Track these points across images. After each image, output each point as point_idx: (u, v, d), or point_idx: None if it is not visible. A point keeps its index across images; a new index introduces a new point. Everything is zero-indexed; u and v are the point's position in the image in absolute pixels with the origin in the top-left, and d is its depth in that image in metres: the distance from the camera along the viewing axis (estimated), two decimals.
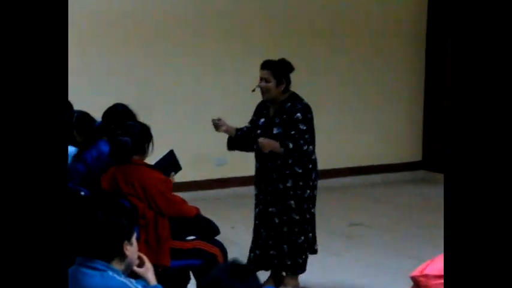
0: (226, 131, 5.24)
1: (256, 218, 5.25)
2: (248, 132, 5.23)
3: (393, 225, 7.45)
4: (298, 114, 4.96)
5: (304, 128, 4.96)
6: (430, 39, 9.45)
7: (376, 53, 9.29)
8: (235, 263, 2.50)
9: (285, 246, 5.14)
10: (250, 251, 5.35)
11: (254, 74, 8.41)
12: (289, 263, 5.17)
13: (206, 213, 5.12)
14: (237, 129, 5.27)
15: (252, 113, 5.39)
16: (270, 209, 5.11)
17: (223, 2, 8.41)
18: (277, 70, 4.99)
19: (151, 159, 4.91)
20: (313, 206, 5.19)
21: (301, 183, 5.06)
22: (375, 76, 9.31)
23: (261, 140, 4.88)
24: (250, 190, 8.39)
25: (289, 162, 5.01)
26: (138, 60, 8.04)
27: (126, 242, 2.92)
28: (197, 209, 4.91)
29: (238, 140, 5.24)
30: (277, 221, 5.09)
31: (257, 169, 5.19)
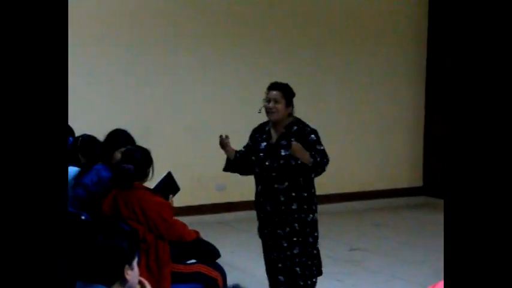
0: (228, 152, 5.28)
1: (267, 239, 5.22)
2: (243, 157, 5.26)
3: (394, 251, 7.44)
4: (313, 136, 5.02)
5: (322, 148, 5.02)
6: (430, 68, 9.49)
7: (376, 80, 9.33)
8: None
9: (297, 268, 5.16)
10: (267, 271, 5.33)
11: (257, 97, 8.48)
12: (301, 283, 5.19)
13: (206, 237, 5.13)
14: (236, 152, 5.35)
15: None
16: (278, 231, 5.12)
17: (226, 23, 8.45)
18: (287, 92, 5.09)
19: (151, 182, 4.92)
20: (316, 229, 5.23)
21: (305, 207, 5.10)
22: (375, 103, 9.34)
23: (294, 142, 4.86)
24: (250, 214, 8.47)
25: (297, 185, 5.06)
26: (137, 82, 8.07)
27: (127, 266, 2.91)
28: (197, 233, 4.91)
29: (235, 163, 5.27)
30: (285, 244, 5.12)
31: (258, 192, 5.18)
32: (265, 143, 5.13)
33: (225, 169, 5.40)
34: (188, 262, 4.80)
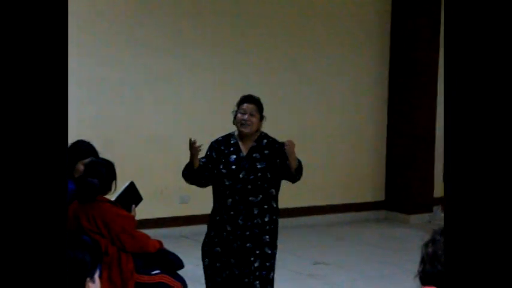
0: (193, 157, 5.12)
1: (230, 255, 5.06)
2: (203, 168, 5.15)
3: (357, 265, 7.46)
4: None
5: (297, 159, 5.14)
6: (392, 80, 9.58)
7: (340, 94, 9.39)
8: None
9: (257, 282, 5.08)
10: None
11: (222, 110, 8.50)
12: None
13: (170, 249, 5.09)
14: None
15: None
16: (248, 245, 5.04)
17: (196, 34, 8.45)
18: (261, 106, 5.14)
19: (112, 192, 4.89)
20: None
21: (274, 217, 5.13)
22: (339, 117, 9.40)
23: (290, 140, 4.97)
24: None
25: (270, 197, 5.08)
26: (98, 93, 8.02)
27: (88, 279, 2.88)
28: (160, 243, 4.90)
29: (197, 172, 5.14)
30: (252, 258, 5.04)
31: (228, 205, 5.06)
32: (235, 156, 5.09)
33: (186, 177, 5.21)
34: (152, 273, 4.78)
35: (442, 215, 9.02)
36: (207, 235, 5.16)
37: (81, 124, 7.59)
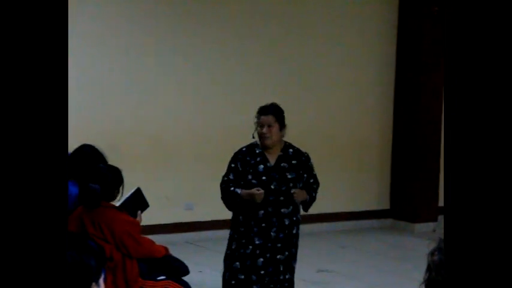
0: (248, 198, 4.94)
1: (260, 268, 4.95)
2: (236, 184, 5.02)
3: (360, 273, 7.45)
4: (311, 161, 5.13)
5: (315, 173, 5.17)
6: (398, 90, 9.58)
7: (345, 102, 9.38)
8: None
9: None
10: None
11: (228, 116, 8.50)
12: None
13: (174, 256, 5.10)
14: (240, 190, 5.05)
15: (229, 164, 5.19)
16: (278, 257, 4.97)
17: (202, 37, 8.46)
18: (279, 115, 5.02)
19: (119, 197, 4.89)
20: None
21: (298, 231, 5.11)
22: (343, 124, 9.40)
23: (297, 190, 4.94)
24: (217, 234, 8.46)
25: (297, 209, 5.08)
26: (104, 99, 8.03)
27: (93, 283, 2.89)
28: (166, 249, 4.91)
29: (239, 197, 5.00)
30: (282, 268, 4.98)
31: (260, 217, 4.94)
32: (262, 166, 4.99)
33: (231, 208, 5.10)
34: (157, 278, 4.78)
35: None
36: (228, 248, 5.07)
37: (86, 129, 7.61)
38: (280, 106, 5.13)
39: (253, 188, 4.90)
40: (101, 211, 4.62)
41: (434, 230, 9.29)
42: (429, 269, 2.76)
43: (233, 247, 5.01)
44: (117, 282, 4.60)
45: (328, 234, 9.13)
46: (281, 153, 5.01)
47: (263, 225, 4.92)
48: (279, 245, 4.95)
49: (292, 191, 4.92)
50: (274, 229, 4.93)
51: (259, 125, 4.97)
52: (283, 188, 4.92)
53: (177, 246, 7.60)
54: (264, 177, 4.93)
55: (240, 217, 5.00)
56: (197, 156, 8.49)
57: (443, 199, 9.58)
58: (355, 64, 9.41)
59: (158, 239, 6.54)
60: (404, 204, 9.55)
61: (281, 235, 4.95)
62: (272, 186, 4.92)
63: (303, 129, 9.18)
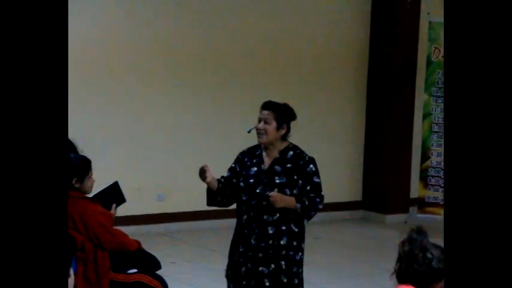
0: (209, 182, 4.57)
1: (243, 277, 4.55)
2: (228, 183, 4.64)
3: (333, 263, 7.50)
4: (311, 166, 4.57)
5: (319, 181, 4.59)
6: (371, 80, 9.63)
7: (317, 95, 9.41)
8: None
9: None
10: None
11: (203, 110, 8.49)
12: None
13: (147, 247, 5.10)
14: (218, 181, 4.64)
15: (226, 161, 4.90)
16: (260, 269, 4.50)
17: (179, 31, 8.44)
18: (280, 113, 4.60)
19: (94, 190, 4.87)
20: (302, 270, 4.72)
21: (294, 243, 4.57)
22: (316, 117, 9.42)
23: (274, 194, 4.42)
24: (190, 225, 8.46)
25: (288, 217, 4.53)
26: (77, 90, 7.99)
27: None
28: (138, 243, 4.89)
29: (219, 193, 4.61)
30: (267, 283, 4.50)
31: (243, 223, 4.57)
32: (255, 168, 4.59)
33: (209, 203, 4.70)
34: (129, 272, 4.77)
35: (418, 215, 9.08)
36: (228, 256, 4.70)
37: None
38: (292, 109, 4.73)
39: (241, 192, 4.56)
40: (74, 201, 4.60)
41: (405, 221, 9.36)
42: (399, 259, 2.79)
43: (228, 253, 4.68)
44: (88, 273, 4.58)
45: None
46: (278, 155, 4.56)
47: (245, 231, 4.54)
48: (260, 254, 4.50)
49: (267, 193, 4.44)
50: (254, 236, 4.51)
51: (258, 119, 4.59)
52: (267, 193, 4.45)
53: (149, 237, 7.59)
54: (251, 180, 4.54)
55: (243, 218, 4.62)
56: (169, 147, 8.48)
57: (414, 191, 9.58)
58: (329, 57, 9.44)
59: (130, 230, 6.53)
60: (376, 195, 9.61)
61: (262, 244, 4.49)
62: (258, 190, 4.51)
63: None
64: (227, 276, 4.67)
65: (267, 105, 4.63)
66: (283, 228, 4.51)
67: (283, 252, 4.51)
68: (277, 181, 4.50)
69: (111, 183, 5.06)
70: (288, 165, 4.54)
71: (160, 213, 8.49)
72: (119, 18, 8.21)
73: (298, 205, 4.49)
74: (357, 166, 9.78)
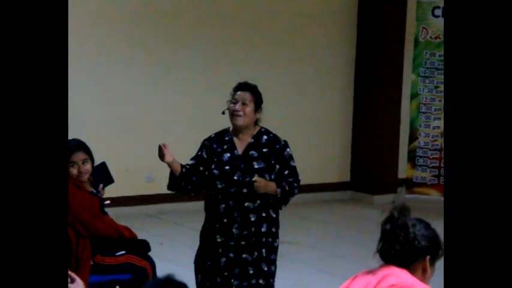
0: (170, 163, 4.42)
1: (223, 268, 4.42)
2: (193, 171, 4.46)
3: (321, 243, 7.53)
4: (288, 150, 4.51)
5: (295, 165, 4.56)
6: (359, 61, 9.62)
7: (307, 76, 9.40)
8: (171, 278, 2.36)
9: None
10: None
11: (192, 90, 8.47)
12: None
13: (135, 229, 5.09)
14: (182, 166, 4.48)
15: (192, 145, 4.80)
16: (244, 256, 4.41)
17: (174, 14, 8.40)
18: (257, 95, 4.48)
19: None
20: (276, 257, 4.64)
21: (273, 230, 4.51)
22: (304, 97, 9.42)
23: (258, 179, 4.31)
24: (178, 206, 8.45)
25: (267, 203, 4.44)
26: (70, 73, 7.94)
27: None
28: (130, 231, 4.85)
29: (182, 179, 4.44)
30: (251, 271, 4.41)
31: (221, 212, 4.42)
32: (228, 154, 4.44)
33: (170, 187, 4.55)
34: (117, 254, 4.76)
35: (406, 196, 9.12)
36: (199, 247, 4.56)
37: None
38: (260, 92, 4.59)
39: (216, 180, 4.41)
40: None
41: (393, 202, 9.39)
42: (382, 238, 2.79)
43: (198, 245, 4.54)
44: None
45: (290, 206, 9.09)
46: (252, 140, 4.45)
47: (225, 221, 4.40)
48: (243, 242, 4.39)
49: (253, 179, 4.32)
50: (236, 225, 4.38)
51: (233, 101, 4.43)
52: (247, 180, 4.35)
53: (138, 218, 7.59)
54: (227, 167, 4.39)
55: (206, 212, 4.53)
56: (159, 127, 8.46)
57: (402, 172, 9.60)
58: (317, 41, 9.42)
59: (119, 211, 6.53)
60: (364, 176, 9.64)
61: (245, 232, 4.39)
62: (235, 177, 4.38)
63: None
64: (195, 268, 4.52)
65: (244, 86, 4.49)
66: (263, 215, 4.44)
67: (263, 240, 4.45)
68: (256, 166, 4.40)
69: (97, 164, 5.03)
70: (264, 150, 4.43)
71: (149, 195, 8.48)
72: None
73: (279, 190, 4.42)
74: (345, 147, 9.79)
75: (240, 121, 4.41)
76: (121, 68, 8.28)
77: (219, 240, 4.42)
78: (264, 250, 4.46)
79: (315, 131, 9.55)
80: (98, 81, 8.17)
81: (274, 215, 4.52)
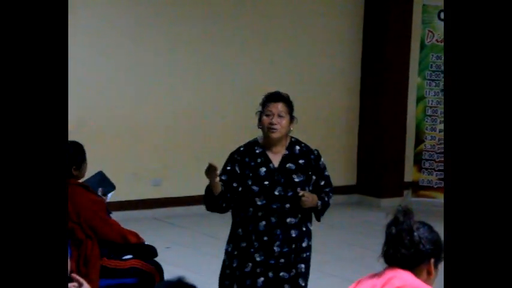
0: (214, 184, 4.12)
1: None
2: (226, 187, 4.19)
3: (328, 246, 7.52)
4: (322, 160, 4.38)
5: (328, 174, 4.42)
6: (365, 63, 9.62)
7: (312, 77, 9.41)
8: (182, 281, 2.34)
9: None
10: None
11: (195, 95, 8.49)
12: None
13: (142, 233, 5.11)
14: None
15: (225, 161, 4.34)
16: (281, 274, 4.19)
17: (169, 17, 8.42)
18: (291, 105, 4.30)
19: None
20: None
21: (310, 244, 4.34)
22: (310, 101, 9.42)
23: (306, 193, 4.14)
24: (185, 210, 8.46)
25: (308, 218, 4.27)
26: (72, 72, 7.96)
27: None
28: (137, 237, 4.86)
29: (220, 198, 4.17)
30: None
31: (260, 230, 4.17)
32: (264, 169, 4.20)
33: (210, 207, 4.26)
34: (124, 258, 4.77)
35: (412, 199, 9.11)
36: (228, 266, 4.25)
37: None
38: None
39: (256, 197, 4.15)
40: (71, 189, 4.60)
41: (399, 205, 9.38)
42: (387, 242, 2.80)
43: (234, 265, 4.21)
44: (79, 263, 4.58)
45: None
46: (286, 152, 4.24)
47: (265, 238, 4.15)
48: (283, 260, 4.17)
49: (300, 194, 4.11)
50: (278, 243, 4.15)
51: (267, 113, 4.19)
52: (290, 194, 4.15)
53: (144, 222, 7.61)
54: (266, 182, 4.15)
55: (239, 230, 4.22)
56: (165, 132, 8.48)
57: (408, 175, 9.57)
58: (323, 43, 9.43)
59: (126, 215, 6.56)
60: (371, 179, 9.63)
61: (285, 249, 4.17)
62: (276, 192, 4.15)
63: None
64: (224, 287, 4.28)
65: (278, 97, 4.26)
66: (304, 229, 4.26)
67: (304, 255, 4.27)
68: (296, 180, 4.20)
69: (94, 174, 5.04)
70: (301, 161, 4.25)
71: (156, 198, 8.50)
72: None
73: (319, 202, 4.25)
74: (351, 150, 9.79)
75: (277, 134, 4.21)
76: (126, 72, 8.29)
77: (258, 259, 4.17)
78: (303, 265, 4.27)
79: (320, 134, 9.55)
80: (106, 85, 8.18)
81: (311, 227, 4.35)
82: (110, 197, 5.15)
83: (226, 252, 4.28)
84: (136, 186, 8.30)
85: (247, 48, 8.94)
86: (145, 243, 5.01)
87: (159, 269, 4.84)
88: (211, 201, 4.18)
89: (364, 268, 6.72)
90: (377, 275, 2.82)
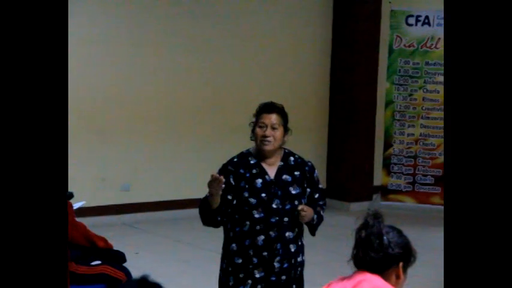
0: (215, 197, 3.90)
1: None
2: (223, 201, 3.96)
3: None
4: (317, 172, 4.28)
5: (322, 187, 4.31)
6: (334, 71, 9.67)
7: (281, 83, 9.43)
8: (146, 279, 2.33)
9: None
10: None
11: (166, 94, 8.46)
12: None
13: (110, 238, 5.08)
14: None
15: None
16: None
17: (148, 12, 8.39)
18: (285, 116, 4.17)
19: None
20: None
21: (304, 258, 4.20)
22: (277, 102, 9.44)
23: (304, 207, 4.00)
24: (155, 216, 8.43)
25: (302, 231, 4.16)
26: None
27: None
28: (105, 242, 4.84)
29: (218, 212, 3.97)
30: None
31: (259, 245, 4.00)
32: (260, 180, 4.04)
33: (208, 222, 4.03)
34: (92, 263, 4.74)
35: (381, 202, 9.16)
36: (224, 284, 4.07)
37: None
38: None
39: (253, 210, 3.97)
40: None
41: (368, 209, 9.44)
42: (356, 246, 2.82)
43: (231, 283, 4.02)
44: None
45: None
46: (281, 163, 4.10)
47: (264, 254, 3.97)
48: (284, 277, 4.02)
49: (299, 208, 3.97)
50: (278, 258, 3.99)
51: (261, 125, 4.07)
52: (288, 207, 4.01)
53: (113, 228, 7.56)
54: (263, 194, 3.99)
55: (233, 245, 4.03)
56: (134, 136, 8.44)
57: (377, 179, 9.60)
58: (292, 47, 9.46)
59: (94, 221, 6.51)
60: (340, 183, 9.68)
61: (286, 265, 4.02)
62: (274, 205, 4.00)
63: (244, 107, 9.20)
64: None
65: (271, 108, 4.12)
66: (300, 243, 4.13)
67: (299, 270, 4.14)
68: (293, 192, 4.06)
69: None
70: (296, 173, 4.13)
71: (124, 204, 8.46)
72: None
73: (315, 216, 4.13)
74: (320, 154, 9.83)
75: (270, 147, 4.06)
76: (93, 73, 8.24)
77: (257, 276, 3.99)
78: (294, 286, 4.11)
79: (289, 139, 9.57)
80: (72, 86, 8.13)
81: (304, 241, 4.21)
82: (79, 206, 5.12)
83: (221, 269, 4.12)
84: (104, 192, 8.25)
85: (220, 52, 8.93)
86: (114, 248, 4.98)
87: (128, 275, 4.82)
88: (208, 215, 3.98)
89: (333, 272, 6.77)
90: (346, 278, 2.83)
